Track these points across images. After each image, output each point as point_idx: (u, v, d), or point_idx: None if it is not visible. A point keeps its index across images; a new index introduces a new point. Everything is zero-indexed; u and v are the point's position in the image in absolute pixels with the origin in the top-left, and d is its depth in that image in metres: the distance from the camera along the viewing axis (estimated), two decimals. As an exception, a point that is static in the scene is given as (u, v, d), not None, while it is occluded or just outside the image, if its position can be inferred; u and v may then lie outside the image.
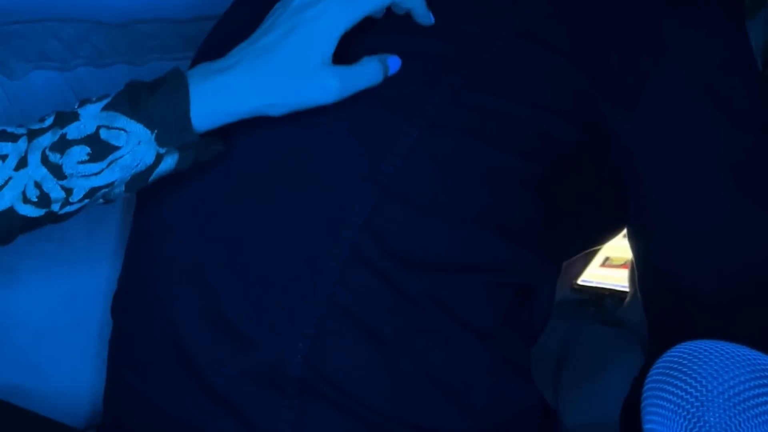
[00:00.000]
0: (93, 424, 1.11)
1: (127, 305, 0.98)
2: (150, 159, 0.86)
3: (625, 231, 0.97)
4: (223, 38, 1.01)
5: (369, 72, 0.88)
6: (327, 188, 0.88)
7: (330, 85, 0.86)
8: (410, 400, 0.86)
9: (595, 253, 1.18)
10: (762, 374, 0.73)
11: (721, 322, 0.90)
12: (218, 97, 0.86)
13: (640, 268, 0.95)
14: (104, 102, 0.86)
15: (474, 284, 0.87)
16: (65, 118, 0.86)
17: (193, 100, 0.85)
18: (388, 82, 0.88)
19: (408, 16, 0.90)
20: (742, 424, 0.71)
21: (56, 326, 1.09)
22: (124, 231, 1.09)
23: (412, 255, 0.86)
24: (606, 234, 1.01)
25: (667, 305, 0.93)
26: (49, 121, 0.86)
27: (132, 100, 0.85)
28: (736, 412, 0.72)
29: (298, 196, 0.89)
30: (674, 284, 0.91)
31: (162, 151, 0.86)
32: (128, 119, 0.85)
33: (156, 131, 0.85)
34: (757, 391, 0.72)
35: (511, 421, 0.89)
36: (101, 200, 0.89)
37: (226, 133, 0.90)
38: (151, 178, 0.87)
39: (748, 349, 0.75)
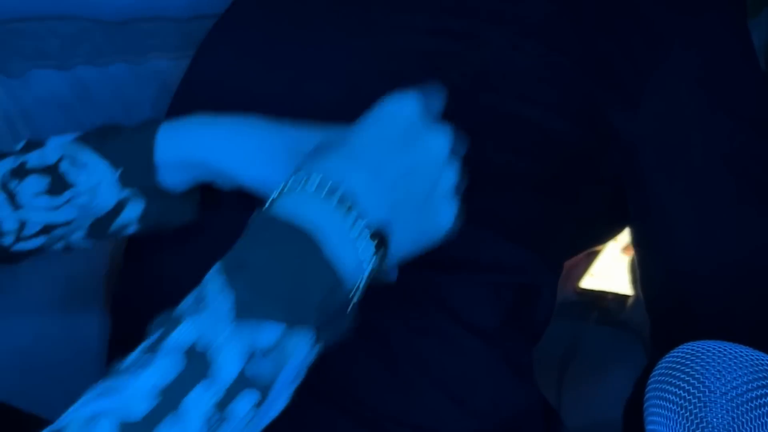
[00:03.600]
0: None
1: (127, 305, 0.98)
2: (110, 203, 0.81)
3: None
4: (223, 37, 1.01)
5: None
6: None
7: None
8: (411, 400, 0.86)
9: (596, 254, 1.18)
10: (764, 374, 0.73)
11: (723, 322, 0.90)
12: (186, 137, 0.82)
13: (642, 268, 0.94)
14: (78, 134, 0.82)
15: (475, 284, 0.87)
16: (33, 144, 0.82)
17: (160, 133, 0.81)
18: (390, 81, 0.88)
19: (408, 15, 0.90)
20: (745, 425, 0.71)
21: (56, 326, 1.09)
22: (124, 231, 1.09)
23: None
24: (608, 233, 1.01)
25: (670, 305, 0.93)
26: (20, 145, 0.82)
27: (103, 134, 0.81)
28: (739, 412, 0.71)
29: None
30: (676, 284, 0.91)
31: (125, 194, 0.81)
32: (93, 152, 0.81)
33: (122, 169, 0.81)
34: (759, 391, 0.72)
35: (513, 422, 0.88)
36: (60, 244, 0.84)
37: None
38: (113, 227, 0.83)
39: (750, 349, 0.75)
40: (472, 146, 0.86)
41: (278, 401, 0.67)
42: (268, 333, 0.63)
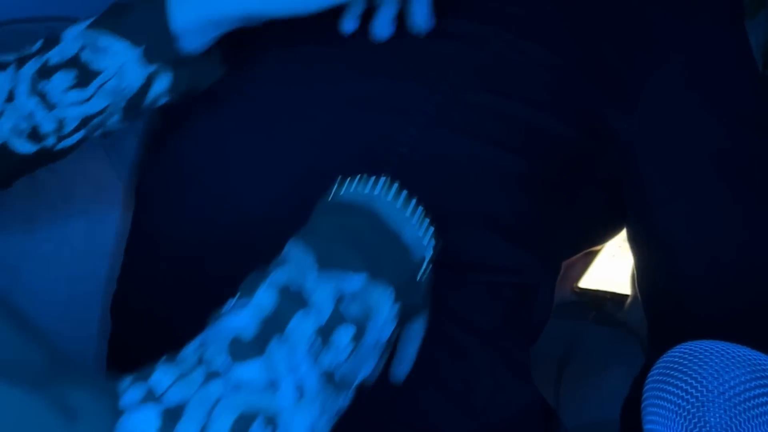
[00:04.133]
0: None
1: (126, 306, 0.98)
2: (139, 81, 0.80)
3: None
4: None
5: None
6: (327, 188, 0.88)
7: None
8: (410, 400, 0.86)
9: (595, 254, 1.18)
10: (762, 374, 0.73)
11: (721, 321, 0.90)
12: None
13: (639, 268, 0.95)
14: (89, 21, 0.81)
15: (473, 284, 0.87)
16: (50, 41, 0.81)
17: (172, 4, 0.79)
18: (389, 81, 0.88)
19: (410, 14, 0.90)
20: (743, 425, 0.71)
21: (56, 327, 1.09)
22: (124, 231, 1.09)
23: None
24: (605, 234, 1.01)
25: (667, 305, 0.93)
26: (37, 46, 0.81)
27: (115, 14, 0.80)
28: (737, 412, 0.71)
29: (298, 197, 0.88)
30: (674, 284, 0.91)
31: (152, 69, 0.80)
32: (111, 35, 0.79)
33: (144, 46, 0.80)
34: (757, 391, 0.72)
35: (511, 422, 0.88)
36: (99, 132, 0.83)
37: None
38: (146, 103, 0.82)
39: (748, 349, 0.75)
40: (470, 146, 0.87)
41: (369, 359, 0.71)
42: (352, 280, 0.68)
